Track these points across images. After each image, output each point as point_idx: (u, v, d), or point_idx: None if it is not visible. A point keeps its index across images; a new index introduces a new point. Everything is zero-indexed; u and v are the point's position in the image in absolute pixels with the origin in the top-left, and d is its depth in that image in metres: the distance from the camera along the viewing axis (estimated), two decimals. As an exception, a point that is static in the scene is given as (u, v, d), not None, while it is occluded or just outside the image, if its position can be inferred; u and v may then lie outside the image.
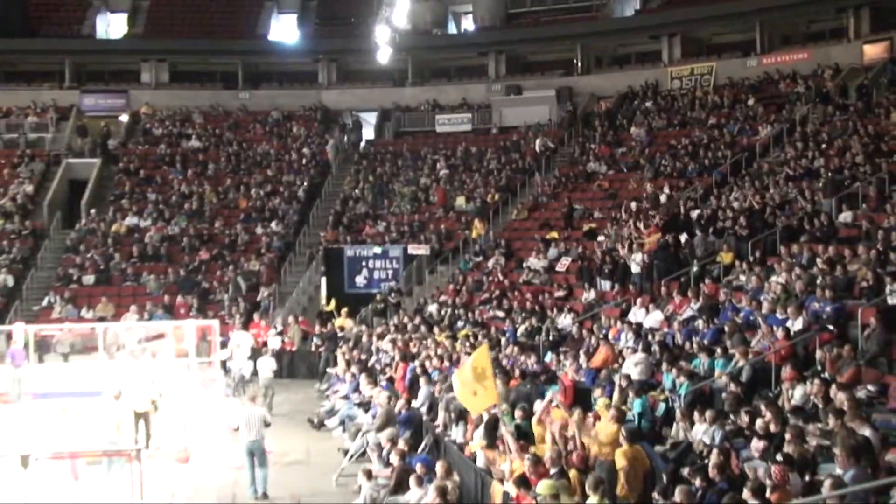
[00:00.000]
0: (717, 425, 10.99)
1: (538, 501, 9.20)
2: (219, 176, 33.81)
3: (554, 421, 11.66)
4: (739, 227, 19.67)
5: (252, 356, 21.07)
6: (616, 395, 13.01)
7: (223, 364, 21.24)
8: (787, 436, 9.72)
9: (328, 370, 22.07)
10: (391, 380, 17.96)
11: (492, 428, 12.45)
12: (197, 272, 29.26)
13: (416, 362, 17.96)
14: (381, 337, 22.31)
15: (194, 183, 33.27)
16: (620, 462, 10.16)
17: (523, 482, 9.66)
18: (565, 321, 19.88)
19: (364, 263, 28.77)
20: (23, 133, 35.14)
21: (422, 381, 16.51)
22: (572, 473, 10.08)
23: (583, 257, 23.50)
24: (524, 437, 11.88)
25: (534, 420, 11.83)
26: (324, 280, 29.35)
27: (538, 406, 12.12)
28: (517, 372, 15.58)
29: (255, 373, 20.42)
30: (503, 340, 19.29)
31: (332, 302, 27.42)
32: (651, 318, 17.41)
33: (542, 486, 9.14)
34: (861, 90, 26.09)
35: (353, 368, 19.64)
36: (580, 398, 13.53)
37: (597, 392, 13.65)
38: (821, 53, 30.35)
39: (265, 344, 23.23)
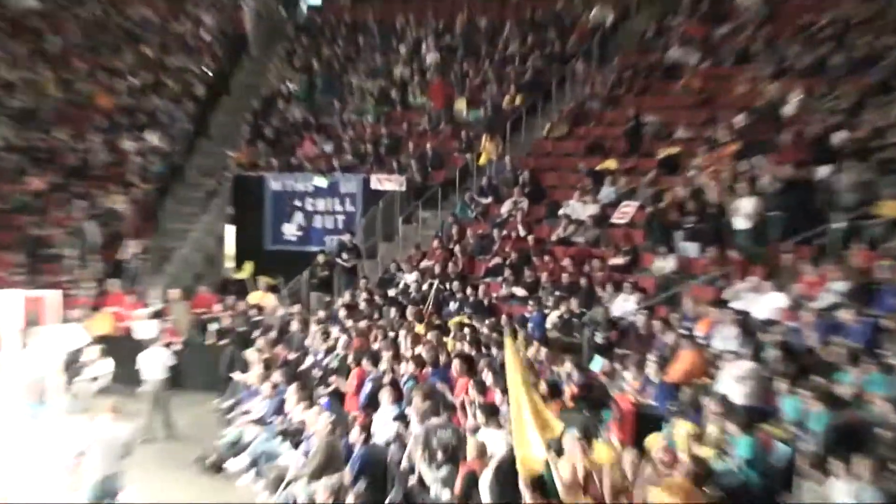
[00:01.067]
0: (874, 482, 10.86)
1: None
2: (66, 56, 33.96)
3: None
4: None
5: (108, 351, 21.21)
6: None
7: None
8: None
9: (233, 377, 21.96)
10: (337, 394, 17.96)
11: (504, 476, 12.26)
12: (21, 210, 29.10)
13: (380, 367, 17.87)
14: (322, 324, 22.14)
15: (26, 67, 33.16)
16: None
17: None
18: (626, 306, 20.01)
19: (298, 203, 29.05)
20: None
21: (386, 396, 16.34)
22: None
23: (656, 202, 23.26)
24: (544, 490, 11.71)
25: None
26: (232, 230, 29.35)
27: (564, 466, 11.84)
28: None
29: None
30: (522, 335, 19.08)
31: (245, 266, 27.57)
32: (766, 305, 17.51)
33: None
34: None
35: (276, 375, 19.65)
36: (645, 431, 13.43)
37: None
38: None
39: (128, 331, 23.10)
